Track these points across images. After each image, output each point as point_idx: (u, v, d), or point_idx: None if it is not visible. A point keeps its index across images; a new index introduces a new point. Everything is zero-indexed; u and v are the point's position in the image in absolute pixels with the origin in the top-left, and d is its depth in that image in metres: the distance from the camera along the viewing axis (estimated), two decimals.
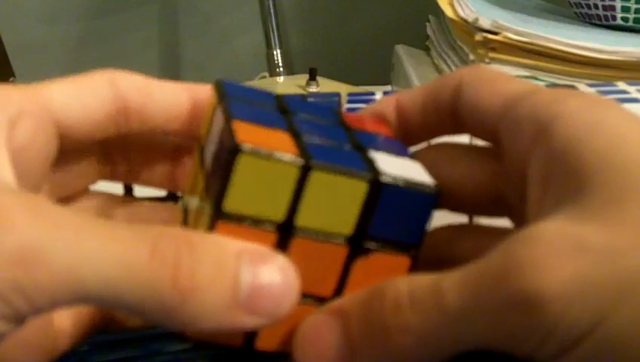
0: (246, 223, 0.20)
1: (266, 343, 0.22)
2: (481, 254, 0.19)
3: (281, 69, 0.92)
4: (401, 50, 0.73)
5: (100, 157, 0.27)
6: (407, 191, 0.21)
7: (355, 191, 0.21)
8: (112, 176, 0.27)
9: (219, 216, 0.20)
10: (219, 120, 0.22)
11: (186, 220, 0.24)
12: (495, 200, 0.24)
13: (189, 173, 0.25)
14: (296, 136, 0.22)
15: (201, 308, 0.18)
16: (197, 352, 0.28)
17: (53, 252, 0.18)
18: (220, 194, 0.20)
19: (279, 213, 0.20)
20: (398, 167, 0.22)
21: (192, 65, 1.08)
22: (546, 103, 0.21)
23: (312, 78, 0.71)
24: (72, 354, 0.25)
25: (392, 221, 0.21)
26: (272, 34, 0.91)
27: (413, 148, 0.26)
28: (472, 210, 0.26)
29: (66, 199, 0.26)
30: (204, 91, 0.25)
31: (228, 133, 0.20)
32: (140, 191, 0.30)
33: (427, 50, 0.71)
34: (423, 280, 0.20)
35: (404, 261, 0.22)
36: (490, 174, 0.24)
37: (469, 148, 0.25)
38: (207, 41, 1.07)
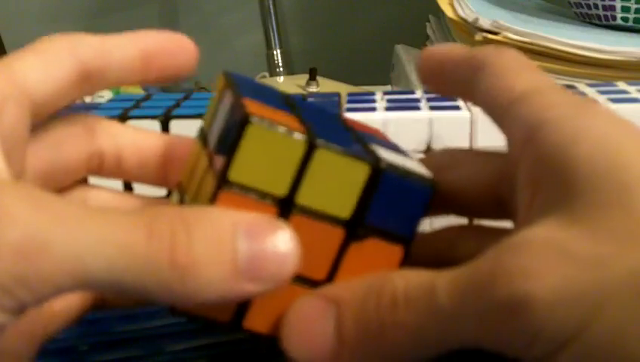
0: (248, 195, 0.21)
1: (254, 323, 0.22)
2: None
3: (281, 69, 0.92)
4: (401, 50, 0.73)
5: (89, 155, 0.26)
6: (407, 179, 0.22)
7: (357, 173, 0.21)
8: (101, 173, 0.27)
9: (224, 184, 0.21)
10: (226, 102, 0.22)
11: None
12: (497, 204, 0.24)
13: (186, 165, 0.25)
14: (303, 120, 0.22)
15: (201, 281, 0.19)
16: (197, 352, 0.28)
17: (55, 241, 0.18)
18: (227, 163, 0.20)
19: (282, 188, 0.21)
20: (399, 160, 0.22)
21: None
22: (536, 109, 0.21)
23: (312, 78, 0.71)
24: (72, 354, 0.25)
25: (389, 209, 0.22)
26: (272, 34, 0.92)
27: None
28: (474, 213, 0.26)
29: (59, 191, 0.26)
30: (151, 40, 0.25)
31: (238, 107, 0.21)
32: (139, 189, 0.30)
33: None
34: (419, 278, 0.20)
35: (397, 251, 0.22)
36: (492, 178, 0.24)
37: (471, 152, 0.26)
38: (207, 41, 1.07)
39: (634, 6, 0.62)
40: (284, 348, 0.21)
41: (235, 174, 0.21)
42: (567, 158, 0.20)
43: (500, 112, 0.23)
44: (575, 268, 0.18)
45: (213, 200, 0.21)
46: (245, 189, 0.21)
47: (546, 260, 0.18)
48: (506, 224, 0.24)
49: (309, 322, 0.21)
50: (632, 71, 0.55)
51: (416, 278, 0.20)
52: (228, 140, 0.21)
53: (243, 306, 0.22)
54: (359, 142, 0.23)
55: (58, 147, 0.25)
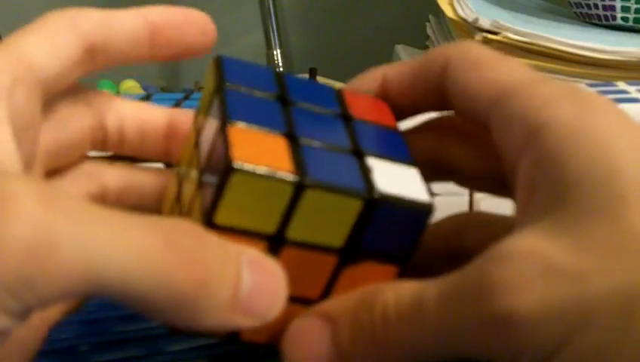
0: (237, 233, 0.20)
1: (250, 335, 0.22)
2: (488, 244, 0.19)
3: (281, 69, 0.92)
4: (401, 50, 0.72)
5: (92, 130, 0.26)
6: (402, 208, 0.21)
7: (349, 208, 0.21)
8: (104, 149, 0.26)
9: (210, 226, 0.20)
10: (215, 112, 0.22)
11: (179, 196, 0.24)
12: (500, 180, 0.24)
13: (185, 143, 0.25)
14: (293, 139, 0.21)
15: (208, 303, 0.18)
16: (197, 352, 0.28)
17: (67, 243, 0.17)
18: (212, 207, 0.20)
19: (271, 227, 0.20)
20: (395, 179, 0.22)
21: (192, 65, 1.08)
22: (536, 105, 0.21)
23: (312, 77, 0.71)
24: (72, 354, 0.25)
25: (384, 235, 0.21)
26: (272, 34, 0.91)
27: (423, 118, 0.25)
28: (477, 186, 0.26)
29: (62, 167, 0.26)
30: (157, 13, 0.25)
31: (223, 143, 0.20)
32: None
33: (427, 50, 0.71)
34: (408, 290, 0.20)
35: (392, 270, 0.22)
36: (495, 154, 0.24)
37: (477, 128, 0.25)
38: None
39: (634, 6, 0.62)
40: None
41: (221, 218, 0.20)
42: (565, 164, 0.19)
43: (483, 108, 0.22)
44: (556, 285, 0.18)
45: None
46: (232, 230, 0.20)
47: (529, 274, 0.18)
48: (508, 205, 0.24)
49: (306, 341, 0.21)
50: (632, 71, 0.55)
51: (405, 291, 0.20)
52: (213, 180, 0.20)
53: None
54: (355, 150, 0.22)
55: (63, 124, 0.24)
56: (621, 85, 0.40)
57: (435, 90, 0.24)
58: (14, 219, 0.17)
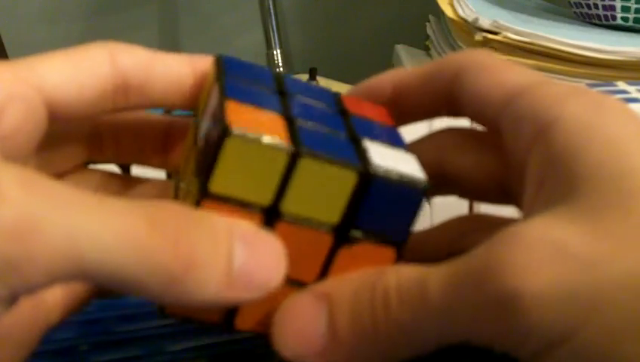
0: (231, 204, 0.20)
1: (245, 323, 0.22)
2: None
3: (281, 69, 0.92)
4: (401, 50, 0.73)
5: (88, 138, 0.26)
6: (397, 184, 0.21)
7: (344, 181, 0.20)
8: (100, 157, 0.26)
9: (205, 195, 0.20)
10: (214, 97, 0.22)
11: (176, 197, 0.24)
12: (502, 191, 0.24)
13: (183, 149, 0.25)
14: (289, 119, 0.21)
15: (199, 281, 0.18)
16: (197, 352, 0.28)
17: (50, 225, 0.17)
18: (207, 174, 0.20)
19: (266, 198, 0.20)
20: (391, 159, 0.21)
21: None
22: (547, 103, 0.21)
23: (312, 78, 0.71)
24: (72, 354, 0.25)
25: (379, 213, 0.21)
26: (272, 34, 0.91)
27: (420, 131, 0.25)
28: (478, 197, 0.26)
29: (58, 175, 0.25)
30: (206, 63, 0.24)
31: (220, 113, 0.20)
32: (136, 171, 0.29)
33: (427, 50, 0.71)
34: (411, 274, 0.20)
35: (389, 252, 0.22)
36: (498, 167, 0.24)
37: (479, 134, 0.25)
38: (207, 41, 1.07)
39: (634, 6, 0.62)
40: (275, 345, 0.21)
41: (216, 186, 0.20)
42: (577, 159, 0.19)
43: (493, 110, 0.22)
44: (570, 267, 0.18)
45: (197, 206, 0.20)
46: (227, 199, 0.20)
47: (541, 256, 0.18)
48: (510, 210, 0.24)
49: (300, 319, 0.21)
50: (632, 71, 0.55)
51: (408, 273, 0.20)
52: (210, 147, 0.20)
53: (232, 308, 0.22)
54: (352, 137, 0.22)
55: (78, 79, 0.23)
56: (621, 85, 0.40)
57: (444, 96, 0.24)
58: None
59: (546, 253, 0.18)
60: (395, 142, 0.23)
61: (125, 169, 0.30)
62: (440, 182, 0.25)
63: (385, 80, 0.26)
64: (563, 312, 0.17)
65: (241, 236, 0.19)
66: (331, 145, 0.21)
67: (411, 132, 0.27)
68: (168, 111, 0.29)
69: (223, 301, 0.19)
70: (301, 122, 0.21)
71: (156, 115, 0.26)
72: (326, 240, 0.21)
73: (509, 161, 0.22)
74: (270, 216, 0.21)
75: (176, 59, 0.24)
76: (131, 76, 0.23)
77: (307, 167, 0.20)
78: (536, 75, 0.23)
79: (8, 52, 0.81)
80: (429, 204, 0.34)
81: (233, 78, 0.22)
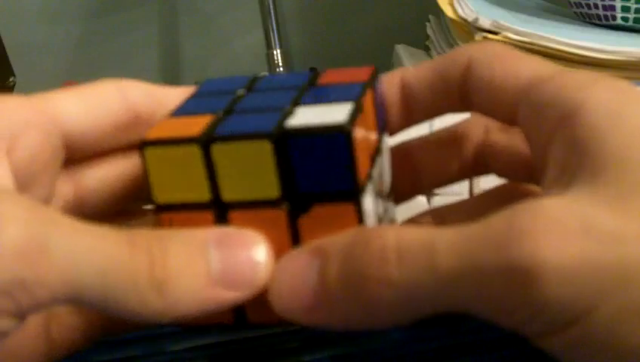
0: (180, 211, 0.21)
1: (256, 316, 0.22)
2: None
3: (281, 69, 0.92)
4: (401, 50, 0.73)
5: None
6: (315, 136, 0.20)
7: (262, 151, 0.21)
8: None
9: (157, 210, 0.21)
10: None
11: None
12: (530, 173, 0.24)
13: None
14: (222, 115, 0.22)
15: (177, 294, 0.19)
16: (197, 352, 0.28)
17: (55, 246, 0.18)
18: (149, 190, 0.21)
19: (204, 193, 0.21)
20: (317, 116, 0.21)
21: (192, 66, 1.08)
22: (572, 88, 0.21)
23: None
24: (72, 354, 0.25)
25: (314, 170, 0.21)
26: (272, 34, 0.91)
27: (420, 131, 0.26)
28: (511, 176, 0.26)
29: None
30: None
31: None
32: None
33: (427, 50, 0.71)
34: (415, 235, 0.19)
35: (349, 209, 0.21)
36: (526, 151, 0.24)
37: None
38: (207, 41, 1.07)
39: (634, 6, 0.62)
40: (270, 302, 0.21)
41: (160, 196, 0.21)
42: (602, 144, 0.19)
43: (510, 100, 0.22)
44: (596, 243, 0.17)
45: (159, 223, 0.22)
46: (177, 207, 0.21)
47: (566, 229, 0.17)
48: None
49: (293, 274, 0.21)
50: (632, 71, 0.55)
51: (411, 235, 0.19)
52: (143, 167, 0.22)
53: (241, 307, 0.22)
54: (287, 109, 0.22)
55: (90, 111, 0.24)
56: None
57: (455, 91, 0.24)
58: (7, 221, 0.18)
59: (572, 227, 0.17)
60: (345, 97, 0.22)
61: None
62: (486, 161, 0.25)
63: (391, 81, 0.25)
64: (583, 289, 0.17)
65: (213, 240, 0.20)
66: (250, 123, 0.21)
67: (411, 131, 0.27)
68: None
69: (211, 302, 0.20)
70: (234, 113, 0.22)
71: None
72: (281, 216, 0.21)
73: (531, 144, 0.22)
74: (220, 210, 0.21)
75: (178, 91, 0.25)
76: (141, 109, 0.24)
77: (222, 151, 0.21)
78: (551, 65, 0.22)
79: (8, 52, 0.81)
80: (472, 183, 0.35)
81: (200, 95, 0.24)
